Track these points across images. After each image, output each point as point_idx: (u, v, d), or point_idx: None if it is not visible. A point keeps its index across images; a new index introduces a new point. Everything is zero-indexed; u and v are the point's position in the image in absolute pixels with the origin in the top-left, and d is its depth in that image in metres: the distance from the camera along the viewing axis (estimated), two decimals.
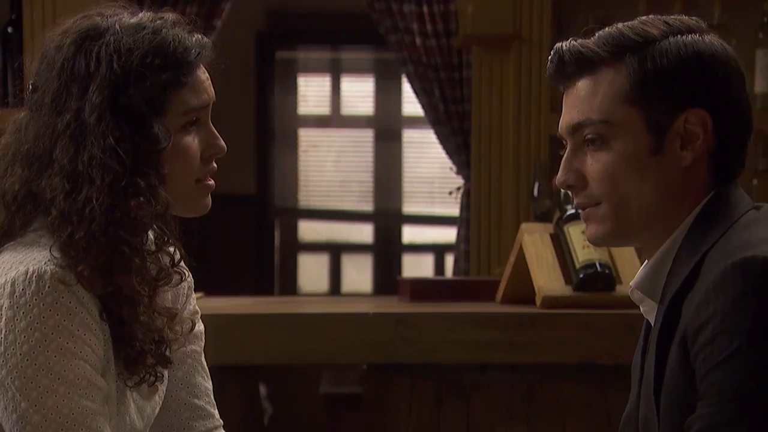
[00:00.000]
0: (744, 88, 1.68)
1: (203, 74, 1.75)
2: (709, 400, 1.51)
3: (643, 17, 1.69)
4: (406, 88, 5.91)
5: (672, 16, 1.69)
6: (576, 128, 1.68)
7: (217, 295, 3.48)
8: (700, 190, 1.66)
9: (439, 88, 4.34)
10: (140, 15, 1.73)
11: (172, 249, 1.78)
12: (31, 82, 1.74)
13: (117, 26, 1.70)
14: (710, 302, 1.52)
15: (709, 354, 1.51)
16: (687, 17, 1.70)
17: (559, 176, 1.71)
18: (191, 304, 1.92)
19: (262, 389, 4.82)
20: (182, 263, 1.81)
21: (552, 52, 1.70)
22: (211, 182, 1.78)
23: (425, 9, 4.30)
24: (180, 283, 1.83)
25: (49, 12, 4.00)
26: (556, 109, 4.07)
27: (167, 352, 1.76)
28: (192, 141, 1.73)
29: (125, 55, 1.67)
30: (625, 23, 1.68)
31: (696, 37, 1.66)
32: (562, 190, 3.04)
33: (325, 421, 4.85)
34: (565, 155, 1.70)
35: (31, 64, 1.76)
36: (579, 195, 1.70)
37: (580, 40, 1.68)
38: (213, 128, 1.77)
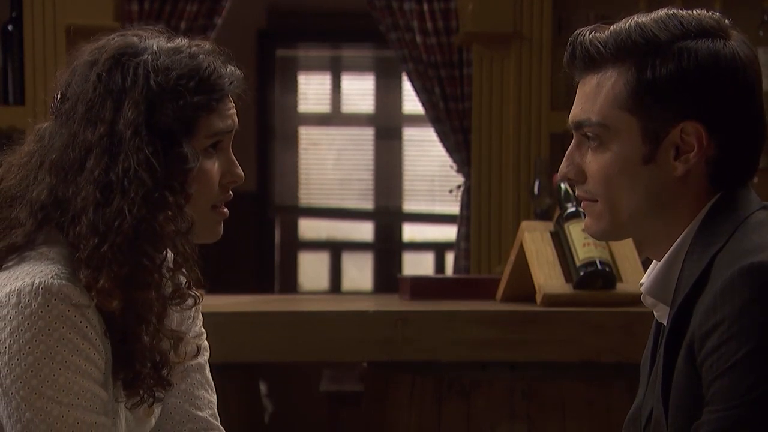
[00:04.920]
0: (756, 98, 1.63)
1: (231, 102, 1.78)
2: (715, 406, 1.51)
3: (661, 12, 1.65)
4: (407, 86, 5.90)
5: (691, 14, 1.64)
6: (577, 125, 1.69)
7: (218, 293, 3.48)
8: (699, 196, 1.64)
9: (440, 86, 4.34)
10: (177, 40, 1.76)
11: (187, 273, 1.77)
12: (59, 92, 1.75)
13: (155, 46, 1.73)
14: (717, 309, 1.52)
15: (716, 360, 1.51)
16: (708, 15, 1.65)
17: (561, 168, 1.72)
18: (197, 325, 1.93)
19: (263, 387, 4.82)
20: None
21: (569, 42, 1.69)
22: (226, 210, 1.79)
23: (425, 7, 4.30)
24: (193, 306, 1.83)
25: (50, 10, 4.00)
26: (557, 106, 4.08)
27: (168, 375, 1.76)
28: (213, 166, 1.76)
29: (163, 73, 1.70)
30: (640, 20, 1.64)
31: (706, 43, 1.61)
32: (563, 188, 3.04)
33: (325, 419, 4.85)
34: (569, 148, 1.71)
35: (60, 75, 1.76)
36: (578, 188, 1.71)
37: (593, 34, 1.66)
38: (233, 156, 1.79)
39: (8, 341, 1.63)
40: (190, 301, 1.78)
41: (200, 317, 1.94)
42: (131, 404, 1.75)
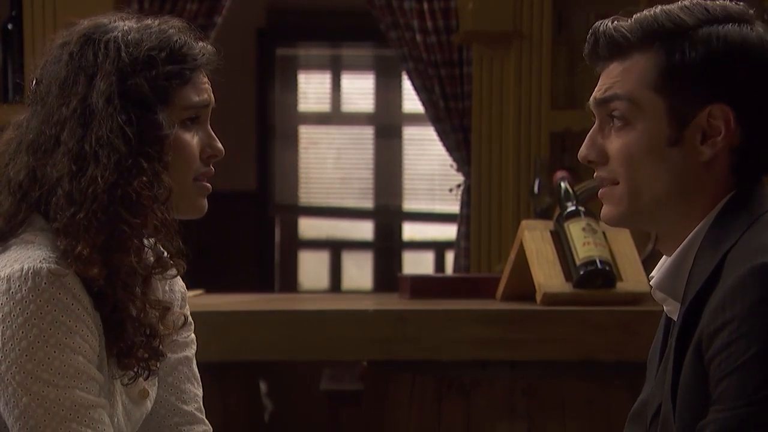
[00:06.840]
0: None
1: (205, 77, 1.80)
2: (721, 405, 1.50)
3: (685, 0, 1.66)
4: (407, 85, 5.90)
5: (714, 2, 1.65)
6: (603, 102, 1.67)
7: (218, 292, 3.48)
8: (720, 187, 1.63)
9: (440, 85, 4.34)
10: (146, 20, 1.79)
11: (168, 242, 1.79)
12: (34, 77, 1.77)
13: (124, 25, 1.76)
14: (727, 307, 1.51)
15: (725, 359, 1.50)
16: (732, 3, 1.66)
17: (581, 151, 1.70)
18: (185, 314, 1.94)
19: (263, 386, 4.82)
20: (179, 276, 1.83)
21: (589, 33, 1.69)
22: (208, 185, 1.81)
23: (425, 5, 4.30)
24: (176, 276, 1.84)
25: (50, 8, 4.00)
26: (557, 106, 4.08)
27: (160, 346, 1.77)
28: (192, 138, 1.77)
29: (134, 46, 1.72)
30: (665, 7, 1.65)
31: (733, 27, 1.62)
32: (563, 187, 3.04)
33: (325, 418, 4.85)
34: (591, 131, 1.69)
35: (34, 65, 1.79)
36: (600, 170, 1.69)
37: (616, 23, 1.66)
38: (211, 131, 1.81)
39: (1, 327, 1.64)
40: (172, 271, 1.79)
41: (187, 307, 1.95)
42: (127, 380, 1.76)
